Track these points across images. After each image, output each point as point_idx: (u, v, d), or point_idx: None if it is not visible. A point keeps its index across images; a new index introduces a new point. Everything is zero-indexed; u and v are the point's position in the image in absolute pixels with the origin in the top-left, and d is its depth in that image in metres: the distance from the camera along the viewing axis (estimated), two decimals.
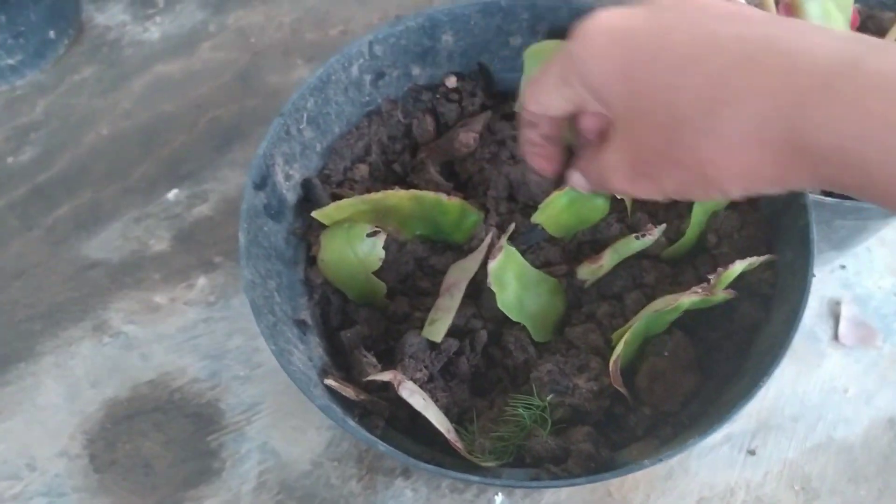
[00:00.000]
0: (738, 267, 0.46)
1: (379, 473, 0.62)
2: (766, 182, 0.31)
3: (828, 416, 0.63)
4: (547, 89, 0.37)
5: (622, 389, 0.46)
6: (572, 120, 0.40)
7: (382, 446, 0.42)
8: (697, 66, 0.31)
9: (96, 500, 0.62)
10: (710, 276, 0.45)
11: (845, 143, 0.27)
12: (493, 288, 0.48)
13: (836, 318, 0.67)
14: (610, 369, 0.45)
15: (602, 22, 0.33)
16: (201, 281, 0.71)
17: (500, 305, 0.48)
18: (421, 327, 0.51)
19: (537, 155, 0.42)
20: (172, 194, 0.76)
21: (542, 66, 0.37)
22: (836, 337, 0.66)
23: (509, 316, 0.49)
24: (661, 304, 0.46)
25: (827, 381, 0.65)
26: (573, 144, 0.42)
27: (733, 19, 0.31)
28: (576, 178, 0.41)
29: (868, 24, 0.64)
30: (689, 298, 0.45)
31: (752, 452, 0.61)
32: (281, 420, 0.65)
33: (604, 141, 0.37)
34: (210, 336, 0.69)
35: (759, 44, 0.30)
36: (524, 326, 0.50)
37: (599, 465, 0.45)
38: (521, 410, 0.47)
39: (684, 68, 0.31)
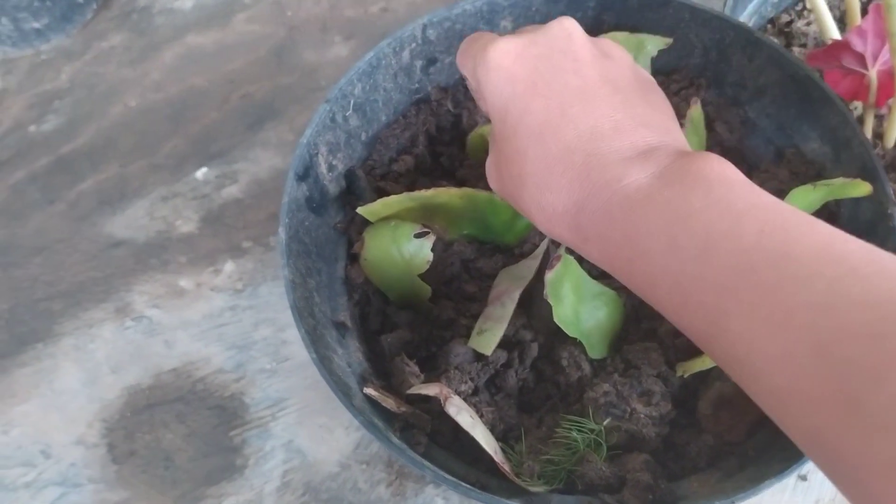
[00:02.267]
0: None
1: (409, 479, 0.59)
2: (568, 243, 0.38)
3: None
4: (471, 84, 0.43)
5: None
6: None
7: (430, 472, 0.39)
8: (540, 146, 0.37)
9: (113, 493, 0.59)
10: None
11: (612, 254, 0.35)
12: (550, 300, 0.44)
13: None
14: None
15: (497, 58, 0.39)
16: (229, 266, 0.68)
17: (556, 320, 0.45)
18: (466, 335, 0.48)
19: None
20: (201, 173, 0.73)
21: (466, 53, 0.42)
22: None
23: (566, 331, 0.45)
24: None
25: None
26: None
27: (580, 100, 0.37)
28: None
29: None
30: None
31: (803, 478, 0.58)
32: (308, 418, 0.62)
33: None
34: (236, 325, 0.66)
35: (580, 135, 0.36)
36: (579, 341, 0.47)
37: (658, 497, 0.42)
38: (574, 434, 0.43)
39: (533, 141, 0.37)
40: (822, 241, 0.29)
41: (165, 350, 0.65)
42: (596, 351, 0.47)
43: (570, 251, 0.47)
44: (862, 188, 0.44)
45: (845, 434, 0.26)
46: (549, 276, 0.44)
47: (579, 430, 0.44)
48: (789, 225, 0.29)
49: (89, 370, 0.64)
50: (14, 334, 0.65)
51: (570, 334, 0.46)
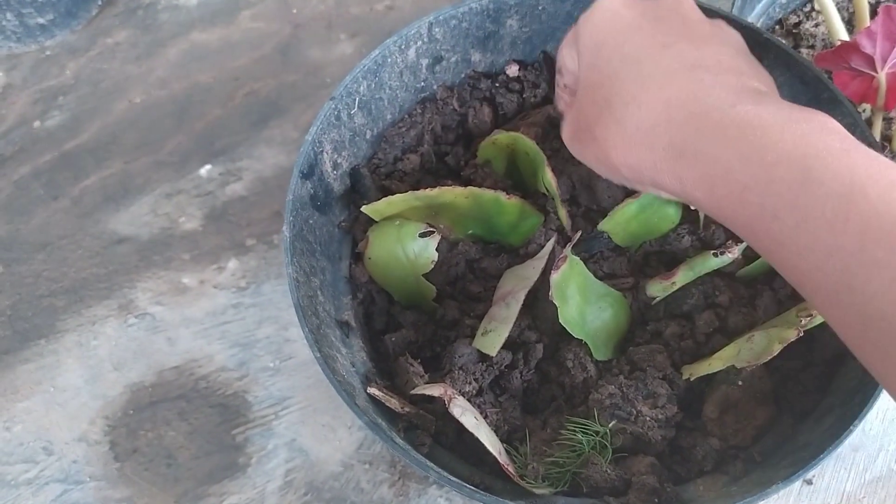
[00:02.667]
0: None
1: (412, 480, 0.59)
2: (649, 185, 0.36)
3: (890, 446, 0.60)
4: (564, 45, 0.44)
5: None
6: None
7: (434, 474, 0.39)
8: (635, 67, 0.36)
9: (115, 490, 0.59)
10: (802, 317, 0.41)
11: (715, 177, 0.32)
12: (556, 301, 0.44)
13: None
14: None
15: (607, 2, 0.39)
16: (232, 264, 0.68)
17: (561, 320, 0.44)
18: (470, 335, 0.48)
19: (560, 99, 0.46)
20: (205, 170, 0.72)
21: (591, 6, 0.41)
22: None
23: (571, 332, 0.45)
24: (761, 343, 0.42)
25: (890, 409, 0.61)
26: None
27: (682, 37, 0.37)
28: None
29: None
30: (786, 334, 0.41)
31: (808, 482, 0.58)
32: (310, 416, 0.62)
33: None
34: (240, 323, 0.65)
35: (683, 62, 0.35)
36: (584, 343, 0.46)
37: (663, 500, 0.41)
38: (579, 436, 0.43)
39: (627, 64, 0.36)
40: None
41: (168, 347, 0.64)
42: (601, 352, 0.47)
43: (575, 249, 0.47)
44: None
45: None
46: (555, 276, 0.44)
47: (584, 433, 0.44)
48: None
49: (92, 367, 0.64)
50: (17, 330, 0.65)
51: (576, 335, 0.45)
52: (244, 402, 0.62)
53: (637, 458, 0.43)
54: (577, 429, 0.44)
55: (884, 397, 0.54)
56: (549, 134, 0.53)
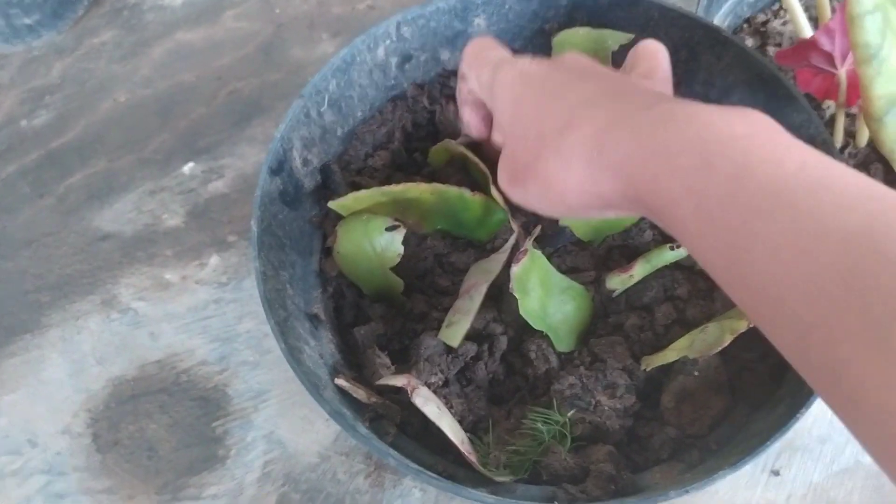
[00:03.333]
0: None
1: (387, 471, 0.60)
2: (595, 199, 0.36)
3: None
4: (476, 85, 0.46)
5: None
6: None
7: (394, 459, 0.40)
8: (560, 101, 0.38)
9: (97, 481, 0.60)
10: None
11: (634, 170, 0.33)
12: (516, 294, 0.45)
13: None
14: None
15: (515, 68, 0.42)
16: (214, 260, 0.69)
17: (522, 313, 0.45)
18: (438, 328, 0.49)
19: (466, 104, 0.48)
20: (188, 168, 0.74)
21: (483, 60, 0.45)
22: None
23: (532, 324, 0.46)
24: (714, 333, 0.43)
25: None
26: None
27: (594, 75, 0.40)
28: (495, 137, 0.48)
29: None
30: (738, 325, 0.42)
31: (775, 473, 0.58)
32: (289, 409, 0.63)
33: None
34: (220, 318, 0.67)
35: (604, 89, 0.38)
36: (547, 335, 0.47)
37: (620, 488, 0.43)
38: (539, 425, 0.44)
39: (553, 100, 0.38)
40: (864, 181, 0.28)
41: (150, 342, 0.66)
42: (563, 344, 0.48)
43: (536, 245, 0.48)
44: None
45: (871, 370, 0.24)
46: (516, 269, 0.45)
47: (545, 422, 0.45)
48: (832, 165, 0.29)
49: (76, 361, 0.65)
50: (2, 325, 0.66)
51: (537, 327, 0.47)
52: (224, 396, 0.64)
53: (596, 447, 0.44)
54: (538, 418, 0.45)
55: None
56: None
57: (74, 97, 0.78)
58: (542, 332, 0.47)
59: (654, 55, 0.42)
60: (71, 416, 0.63)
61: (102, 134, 0.76)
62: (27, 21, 0.78)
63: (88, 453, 0.62)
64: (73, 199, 0.72)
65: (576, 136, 0.36)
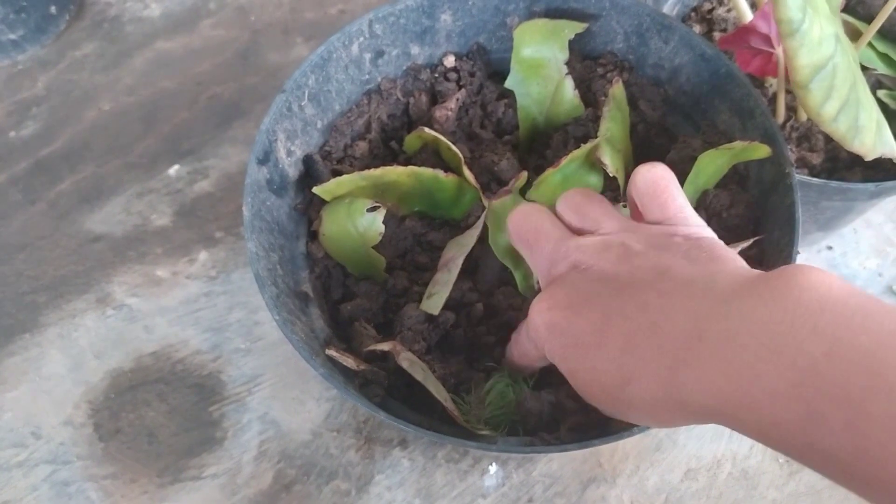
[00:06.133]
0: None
1: (377, 444, 0.64)
2: (667, 424, 0.38)
3: None
4: (524, 350, 0.47)
5: None
6: None
7: (383, 415, 0.44)
8: (602, 350, 0.38)
9: (100, 467, 0.63)
10: None
11: (709, 401, 0.33)
12: (488, 224, 0.50)
13: None
14: None
15: (543, 317, 0.41)
16: (202, 255, 0.73)
17: (490, 242, 0.50)
18: (419, 300, 0.52)
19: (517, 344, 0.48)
20: (174, 170, 0.77)
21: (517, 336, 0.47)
22: None
23: (497, 256, 0.51)
24: None
25: None
26: None
27: (618, 287, 0.39)
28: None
29: (857, 8, 0.66)
30: None
31: None
32: (281, 391, 0.66)
33: None
34: (211, 309, 0.70)
35: (642, 307, 0.37)
36: (512, 285, 0.52)
37: (591, 432, 0.46)
38: (505, 380, 0.48)
39: (596, 357, 0.38)
40: None
41: (145, 335, 0.69)
42: (525, 286, 0.52)
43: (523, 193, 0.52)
44: (761, 150, 0.49)
45: None
46: (494, 202, 0.50)
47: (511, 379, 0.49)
48: None
49: (74, 356, 0.68)
50: (1, 326, 0.69)
51: (500, 259, 0.51)
52: (219, 382, 0.67)
53: (566, 387, 0.48)
54: (502, 378, 0.49)
55: None
56: (463, 116, 0.59)
57: (60, 107, 0.81)
58: (508, 285, 0.52)
59: (656, 193, 0.43)
60: (72, 408, 0.66)
61: (89, 141, 0.79)
62: (12, 36, 0.81)
63: (91, 442, 0.65)
64: (64, 204, 0.75)
65: (642, 390, 0.36)
